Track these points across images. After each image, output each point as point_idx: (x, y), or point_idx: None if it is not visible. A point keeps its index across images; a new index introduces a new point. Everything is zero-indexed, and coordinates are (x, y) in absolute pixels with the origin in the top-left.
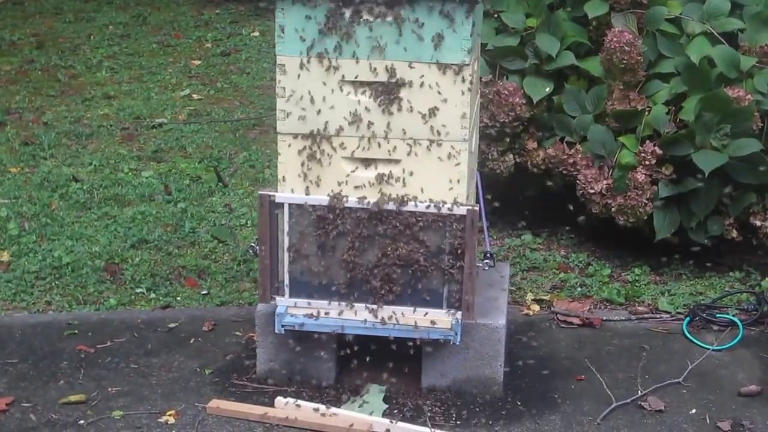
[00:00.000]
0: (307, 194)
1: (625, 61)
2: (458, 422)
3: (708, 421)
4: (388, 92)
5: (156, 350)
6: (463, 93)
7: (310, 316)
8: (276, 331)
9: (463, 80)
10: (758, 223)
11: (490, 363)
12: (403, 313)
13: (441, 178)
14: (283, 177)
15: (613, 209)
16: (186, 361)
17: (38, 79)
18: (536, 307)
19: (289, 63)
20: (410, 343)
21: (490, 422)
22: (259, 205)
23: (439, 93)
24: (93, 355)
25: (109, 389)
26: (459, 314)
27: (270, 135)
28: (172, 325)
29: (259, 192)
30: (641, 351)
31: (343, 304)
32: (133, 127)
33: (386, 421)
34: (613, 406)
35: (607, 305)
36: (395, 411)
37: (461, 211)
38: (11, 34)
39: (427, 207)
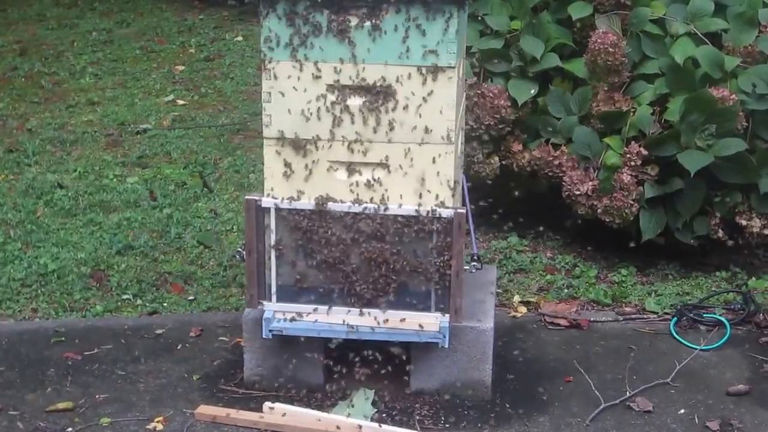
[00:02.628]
0: (293, 198)
1: (609, 63)
2: (447, 425)
3: (697, 421)
4: (373, 96)
5: (143, 357)
6: (448, 96)
7: (298, 320)
8: (263, 336)
9: (449, 83)
10: (744, 222)
11: (478, 365)
12: (391, 317)
13: (428, 182)
14: (269, 181)
15: (599, 210)
16: (173, 367)
17: (22, 86)
18: (523, 309)
19: (273, 67)
20: (398, 347)
21: (479, 424)
22: (245, 209)
23: (425, 96)
24: (80, 362)
25: (97, 396)
26: (447, 317)
27: (254, 140)
28: (159, 331)
29: (246, 197)
30: (629, 352)
31: (331, 308)
32: (118, 133)
33: (375, 425)
34: (601, 407)
35: (594, 306)
36: (384, 414)
37: (448, 214)
38: None
39: (414, 210)
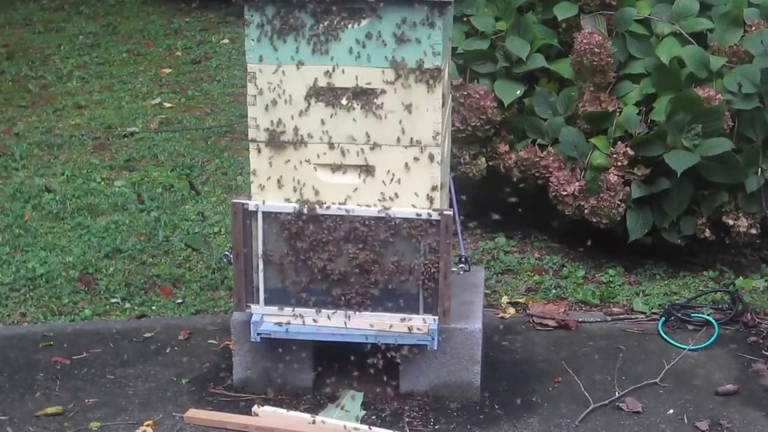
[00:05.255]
0: (280, 201)
1: (595, 63)
2: (436, 427)
3: (686, 421)
4: (360, 98)
5: (132, 360)
6: (435, 97)
7: (286, 323)
8: (252, 339)
9: (436, 84)
10: (731, 222)
11: (467, 367)
12: (379, 320)
13: (415, 183)
14: (256, 184)
15: (586, 211)
16: (162, 371)
17: (9, 90)
18: (512, 310)
19: (259, 70)
20: (387, 349)
21: (469, 426)
22: (232, 213)
23: (412, 98)
24: (69, 366)
25: (86, 400)
26: (435, 319)
27: (241, 142)
28: (147, 334)
29: (232, 200)
30: (617, 352)
31: (319, 311)
32: (105, 137)
33: (365, 427)
34: (590, 407)
35: (582, 307)
36: (373, 417)
37: (435, 216)
38: None
39: (402, 212)
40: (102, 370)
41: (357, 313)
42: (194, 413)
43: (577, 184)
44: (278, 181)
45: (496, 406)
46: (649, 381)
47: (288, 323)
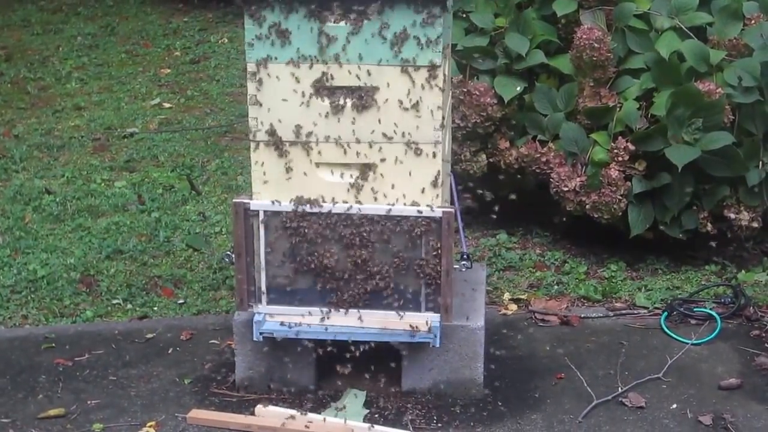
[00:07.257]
0: (281, 201)
1: (594, 58)
2: (439, 424)
3: (689, 416)
4: (360, 96)
5: (134, 361)
6: (435, 94)
7: (288, 323)
8: (254, 339)
9: (436, 81)
10: (732, 215)
11: (469, 364)
12: (381, 318)
13: (416, 181)
14: (257, 184)
15: (587, 206)
16: (165, 372)
17: (8, 92)
18: (514, 307)
19: (259, 69)
20: (389, 347)
21: (472, 423)
22: (233, 212)
23: (412, 95)
24: (71, 368)
25: (89, 402)
26: (437, 317)
27: (242, 142)
28: (149, 335)
29: (234, 200)
30: (620, 347)
31: (321, 309)
32: (105, 138)
33: (367, 425)
34: (594, 403)
35: (584, 302)
36: (376, 415)
37: (437, 213)
38: None
39: (403, 210)
40: (104, 372)
41: (359, 311)
42: (197, 413)
43: (578, 179)
44: (279, 180)
45: (499, 403)
46: (652, 376)
47: (290, 322)
